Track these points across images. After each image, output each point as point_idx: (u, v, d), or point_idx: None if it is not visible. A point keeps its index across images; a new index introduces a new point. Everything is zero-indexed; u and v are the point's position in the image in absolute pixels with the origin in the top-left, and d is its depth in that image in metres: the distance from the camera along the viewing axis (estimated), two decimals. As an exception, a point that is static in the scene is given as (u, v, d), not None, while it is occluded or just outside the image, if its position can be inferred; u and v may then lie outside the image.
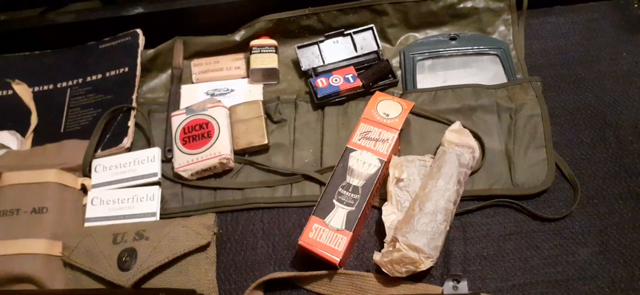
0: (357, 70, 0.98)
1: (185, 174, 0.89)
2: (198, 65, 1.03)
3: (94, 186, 0.89)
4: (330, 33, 1.01)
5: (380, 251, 0.76)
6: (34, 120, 0.97)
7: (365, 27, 1.01)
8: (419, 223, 0.75)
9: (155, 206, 0.87)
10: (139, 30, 1.03)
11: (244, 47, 1.03)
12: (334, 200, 0.79)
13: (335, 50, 1.01)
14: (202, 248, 0.80)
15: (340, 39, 1.01)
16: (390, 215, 0.79)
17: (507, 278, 0.78)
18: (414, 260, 0.73)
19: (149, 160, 0.90)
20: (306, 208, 0.86)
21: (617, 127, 0.89)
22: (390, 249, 0.75)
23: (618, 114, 0.91)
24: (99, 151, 0.92)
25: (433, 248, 0.74)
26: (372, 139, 0.84)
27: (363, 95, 0.96)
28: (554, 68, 0.97)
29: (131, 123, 0.94)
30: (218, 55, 1.04)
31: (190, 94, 1.00)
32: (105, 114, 0.94)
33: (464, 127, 0.86)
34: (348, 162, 0.82)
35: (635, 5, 1.04)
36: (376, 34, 1.01)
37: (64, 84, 1.01)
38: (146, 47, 1.03)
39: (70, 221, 0.86)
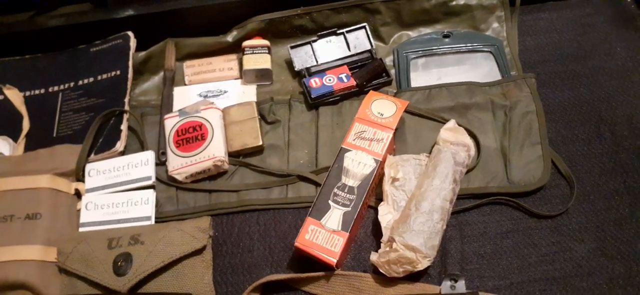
0: (350, 69, 0.97)
1: (179, 177, 0.88)
2: (190, 67, 1.02)
3: (88, 191, 0.89)
4: (323, 32, 1.00)
5: (377, 251, 0.76)
6: (26, 125, 0.96)
7: (358, 25, 1.01)
8: (415, 222, 0.75)
9: (150, 210, 0.86)
10: (130, 33, 1.02)
11: (236, 48, 1.03)
12: (330, 201, 0.79)
13: (329, 49, 1.00)
14: (198, 251, 0.80)
15: (333, 38, 1.01)
16: (386, 215, 0.79)
17: (505, 276, 0.77)
18: (411, 260, 0.73)
19: (142, 164, 0.90)
20: (302, 209, 0.86)
21: (613, 123, 0.89)
22: (387, 249, 0.75)
23: (613, 109, 0.91)
24: (92, 155, 0.92)
25: (430, 247, 0.74)
26: (366, 138, 0.83)
27: (357, 95, 0.95)
28: (548, 64, 0.97)
29: (124, 126, 0.94)
30: (210, 56, 1.03)
31: (183, 96, 0.99)
32: (98, 118, 0.93)
33: (459, 125, 0.86)
34: (343, 163, 0.82)
35: (628, 0, 1.03)
36: (369, 32, 1.00)
37: (56, 88, 1.00)
38: (138, 49, 1.02)
39: (65, 226, 0.85)
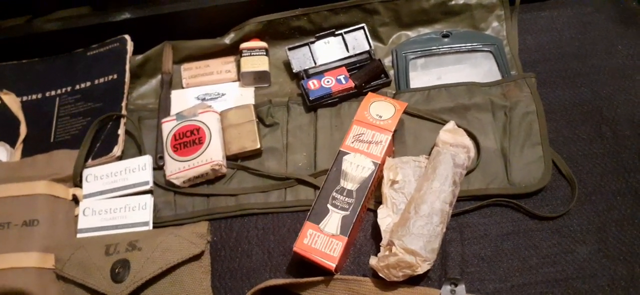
0: (349, 70, 0.96)
1: (177, 182, 0.88)
2: (188, 70, 1.01)
3: (86, 196, 0.88)
4: (321, 34, 1.00)
5: (376, 255, 0.75)
6: (23, 130, 0.96)
7: (357, 26, 1.00)
8: (414, 226, 0.74)
9: (147, 215, 0.86)
10: (127, 36, 1.01)
11: (234, 50, 1.02)
12: (329, 205, 0.78)
13: (327, 51, 0.99)
14: (196, 257, 0.79)
15: (331, 39, 1.00)
16: (385, 218, 0.78)
17: (506, 278, 0.77)
18: (411, 264, 0.72)
19: (140, 169, 0.89)
20: (301, 213, 0.85)
21: (614, 122, 0.88)
22: (387, 253, 0.74)
23: (614, 108, 0.90)
24: (89, 161, 0.91)
25: (430, 251, 0.73)
26: (365, 141, 0.82)
27: (356, 96, 0.95)
28: (549, 63, 0.96)
29: (121, 131, 0.93)
30: (208, 59, 1.03)
31: (180, 99, 0.99)
32: (95, 122, 0.92)
33: (459, 126, 0.85)
34: (341, 166, 0.81)
35: (630, -3, 1.03)
36: (368, 33, 0.99)
37: (53, 93, 1.00)
38: (135, 52, 1.02)
39: (62, 233, 0.84)
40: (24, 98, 1.00)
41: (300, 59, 0.99)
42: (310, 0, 1.00)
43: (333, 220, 0.77)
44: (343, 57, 0.99)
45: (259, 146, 0.90)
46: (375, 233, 0.81)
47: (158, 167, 0.91)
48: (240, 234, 0.85)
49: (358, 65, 0.99)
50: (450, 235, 0.80)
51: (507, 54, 0.97)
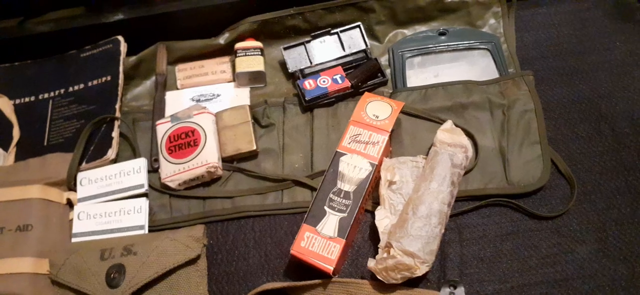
0: (345, 69, 0.96)
1: (172, 184, 0.87)
2: (182, 71, 1.00)
3: (80, 200, 0.87)
4: (316, 33, 0.99)
5: (374, 257, 0.75)
6: (16, 133, 0.95)
7: (352, 25, 0.99)
8: (413, 227, 0.73)
9: (143, 218, 0.85)
10: (120, 37, 1.00)
11: (228, 50, 1.01)
12: (325, 207, 0.77)
13: (323, 50, 0.98)
14: (193, 261, 0.79)
15: (327, 38, 0.99)
16: (383, 219, 0.78)
17: (506, 280, 0.76)
18: (409, 266, 0.71)
19: (135, 172, 0.88)
20: (298, 215, 0.84)
21: (613, 120, 0.88)
22: (385, 255, 0.73)
23: (613, 105, 0.89)
24: (83, 164, 0.90)
25: (428, 252, 0.72)
26: (362, 142, 0.82)
27: (352, 96, 0.94)
28: (547, 60, 0.95)
29: (115, 133, 0.92)
30: (202, 59, 1.02)
31: (175, 101, 0.98)
32: (88, 125, 0.91)
33: (456, 125, 0.85)
34: (338, 167, 0.80)
35: (628, -8, 1.02)
36: (364, 31, 0.98)
37: (46, 96, 0.99)
38: (128, 53, 1.01)
39: (57, 237, 0.84)
40: (17, 101, 0.99)
41: (295, 58, 0.98)
42: (305, -1, 0.99)
43: (330, 222, 0.76)
44: (339, 56, 0.98)
45: (255, 147, 0.89)
46: (373, 235, 0.80)
47: (153, 169, 0.90)
48: (237, 237, 0.84)
49: (354, 64, 0.98)
50: (448, 236, 0.79)
51: (504, 52, 0.96)
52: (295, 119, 0.93)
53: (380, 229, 0.77)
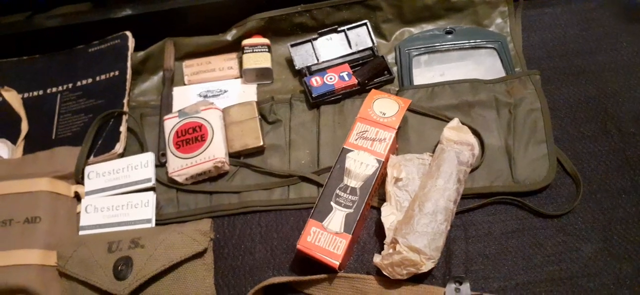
0: (352, 67, 0.96)
1: (179, 179, 0.87)
2: (190, 67, 1.01)
3: (88, 193, 0.88)
4: (323, 30, 0.99)
5: (380, 253, 0.75)
6: (24, 127, 0.96)
7: (359, 23, 0.99)
8: (419, 224, 0.73)
9: (150, 212, 0.86)
10: (128, 33, 1.01)
11: (236, 47, 1.01)
12: (332, 203, 0.78)
13: (330, 47, 0.99)
14: (199, 254, 0.79)
15: (334, 35, 0.99)
16: (389, 215, 0.78)
17: (510, 277, 0.76)
18: (415, 262, 0.72)
19: (142, 166, 0.89)
20: (304, 210, 0.85)
21: (619, 119, 0.88)
22: (391, 251, 0.74)
23: (619, 105, 0.89)
24: (91, 158, 0.91)
25: (434, 249, 0.73)
26: (369, 138, 0.82)
27: (359, 93, 0.94)
28: (553, 60, 0.95)
29: (123, 128, 0.93)
30: (210, 55, 1.02)
31: (182, 96, 0.98)
32: (97, 119, 0.92)
33: (463, 123, 0.85)
34: (345, 163, 0.80)
35: (634, -7, 1.02)
36: (371, 29, 0.99)
37: (54, 90, 0.99)
38: (136, 49, 1.01)
39: (64, 230, 0.84)
40: (25, 95, 1.00)
41: (302, 55, 0.98)
42: (312, -4, 1.00)
43: (336, 217, 0.77)
44: (346, 53, 0.99)
45: (261, 143, 0.89)
46: (379, 231, 0.81)
47: (160, 164, 0.91)
48: (243, 231, 0.85)
49: (361, 61, 0.98)
50: (454, 233, 0.80)
51: (511, 51, 0.96)
52: (302, 115, 0.93)
53: (386, 225, 0.77)
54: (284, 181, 0.87)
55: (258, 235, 0.84)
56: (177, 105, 0.97)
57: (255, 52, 0.98)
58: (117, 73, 0.98)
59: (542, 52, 0.97)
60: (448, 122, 0.85)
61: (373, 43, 0.99)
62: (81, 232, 0.85)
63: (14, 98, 0.98)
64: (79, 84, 0.99)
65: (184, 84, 1.00)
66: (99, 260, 0.77)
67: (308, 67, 0.97)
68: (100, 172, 0.89)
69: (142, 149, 0.92)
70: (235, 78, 1.00)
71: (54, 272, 0.79)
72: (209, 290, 0.78)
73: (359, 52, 0.99)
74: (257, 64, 0.97)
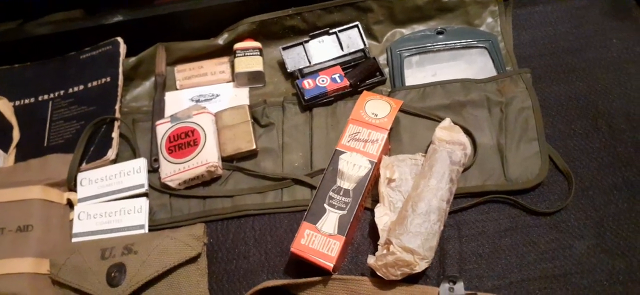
0: (344, 69, 0.96)
1: (172, 184, 0.87)
2: (181, 71, 1.01)
3: (80, 200, 0.88)
4: (315, 33, 0.99)
5: (374, 254, 0.75)
6: (16, 135, 0.95)
7: (351, 24, 0.99)
8: (412, 224, 0.73)
9: (143, 218, 0.85)
10: (119, 39, 1.01)
11: (227, 51, 1.01)
12: (325, 205, 0.78)
13: (321, 49, 0.99)
14: (193, 259, 0.79)
15: (325, 38, 0.99)
16: (383, 216, 0.78)
17: (504, 275, 0.76)
18: (409, 263, 0.72)
19: (135, 172, 0.88)
20: (298, 213, 0.85)
21: (610, 116, 0.88)
22: (384, 251, 0.74)
23: (610, 102, 0.89)
24: (83, 164, 0.90)
25: (428, 249, 0.73)
26: (361, 140, 0.82)
27: (351, 95, 0.94)
28: (544, 58, 0.96)
29: (115, 134, 0.92)
30: (201, 60, 1.02)
31: (174, 101, 0.98)
32: (89, 126, 0.92)
33: (455, 123, 0.85)
34: (338, 165, 0.80)
35: (624, -10, 1.03)
36: (362, 31, 0.99)
37: (46, 97, 0.99)
38: (128, 55, 1.01)
39: (57, 238, 0.84)
40: (17, 102, 0.99)
41: (294, 58, 0.98)
42: (303, -1, 1.00)
43: (330, 219, 0.77)
44: (337, 55, 0.99)
45: (254, 147, 0.89)
46: (373, 232, 0.80)
47: (153, 169, 0.90)
48: (237, 235, 0.84)
49: (353, 63, 0.98)
50: (447, 232, 0.80)
51: (502, 50, 0.97)
52: (295, 118, 0.93)
53: (379, 226, 0.77)
54: (277, 184, 0.87)
55: (252, 239, 0.84)
56: (169, 110, 0.97)
57: (247, 55, 0.98)
58: (108, 79, 0.98)
59: (533, 50, 0.97)
60: (440, 122, 0.85)
61: (364, 45, 0.99)
62: (74, 240, 0.85)
63: (5, 106, 0.98)
64: (70, 90, 0.99)
65: (176, 89, 1.00)
66: (92, 267, 0.77)
67: (300, 70, 0.97)
68: (93, 179, 0.88)
69: (135, 154, 0.92)
70: (227, 82, 1.00)
71: (46, 281, 0.79)
72: (203, 295, 0.78)
73: (350, 54, 0.99)
74: (249, 68, 0.97)
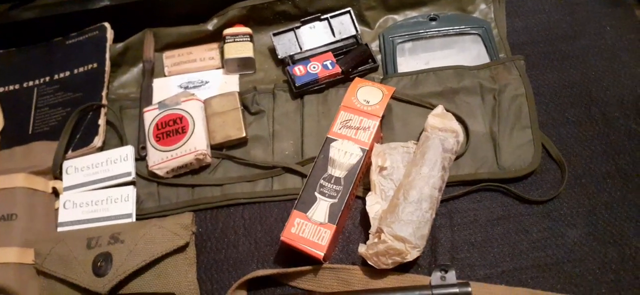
0: (335, 55, 0.95)
1: (160, 172, 0.86)
2: (170, 58, 0.99)
3: (66, 189, 0.86)
4: (306, 18, 0.97)
5: (365, 243, 0.74)
6: (0, 122, 0.93)
7: (343, 10, 0.98)
8: (404, 212, 0.73)
9: (130, 207, 0.84)
10: (106, 24, 0.99)
11: (217, 37, 1.00)
12: (316, 193, 0.77)
13: (313, 35, 0.97)
14: (181, 249, 0.77)
15: (317, 24, 0.98)
16: (374, 205, 0.77)
17: (496, 264, 0.76)
18: (400, 251, 0.71)
19: (122, 159, 0.87)
20: (288, 202, 0.84)
21: (603, 104, 0.87)
22: (376, 240, 0.73)
23: (604, 90, 0.89)
24: (69, 152, 0.89)
25: (419, 237, 0.72)
26: (353, 127, 0.81)
27: (343, 82, 0.93)
28: (537, 45, 0.95)
29: (102, 121, 0.91)
30: (190, 46, 1.00)
31: (163, 88, 0.96)
32: (74, 113, 0.90)
33: (447, 110, 0.84)
34: (329, 153, 0.79)
35: (617, -22, 1.02)
36: (354, 17, 0.97)
37: (31, 83, 0.97)
38: (115, 40, 0.99)
39: (42, 227, 0.82)
40: (1, 89, 0.97)
41: (285, 44, 0.97)
42: (294, -16, 0.98)
43: (321, 208, 0.75)
44: (329, 42, 0.97)
45: (244, 134, 0.88)
46: (364, 220, 0.80)
47: (140, 157, 0.89)
48: (226, 224, 0.83)
49: (344, 50, 0.97)
50: (439, 221, 0.79)
51: (495, 37, 0.96)
52: (286, 105, 0.92)
53: (371, 215, 0.76)
54: (267, 173, 0.86)
55: (241, 228, 0.83)
56: (157, 97, 0.95)
57: (237, 41, 0.96)
58: (95, 65, 0.96)
59: (526, 38, 0.96)
60: (432, 109, 0.84)
61: (356, 31, 0.97)
62: (60, 229, 0.83)
63: (-11, 93, 0.96)
64: (56, 77, 0.97)
65: (164, 76, 0.98)
66: (78, 256, 0.76)
67: (291, 56, 0.96)
68: (79, 167, 0.87)
69: (122, 142, 0.91)
70: (217, 68, 0.98)
71: (31, 271, 0.78)
72: (191, 285, 0.76)
73: (342, 40, 0.98)
74: (238, 54, 0.95)
